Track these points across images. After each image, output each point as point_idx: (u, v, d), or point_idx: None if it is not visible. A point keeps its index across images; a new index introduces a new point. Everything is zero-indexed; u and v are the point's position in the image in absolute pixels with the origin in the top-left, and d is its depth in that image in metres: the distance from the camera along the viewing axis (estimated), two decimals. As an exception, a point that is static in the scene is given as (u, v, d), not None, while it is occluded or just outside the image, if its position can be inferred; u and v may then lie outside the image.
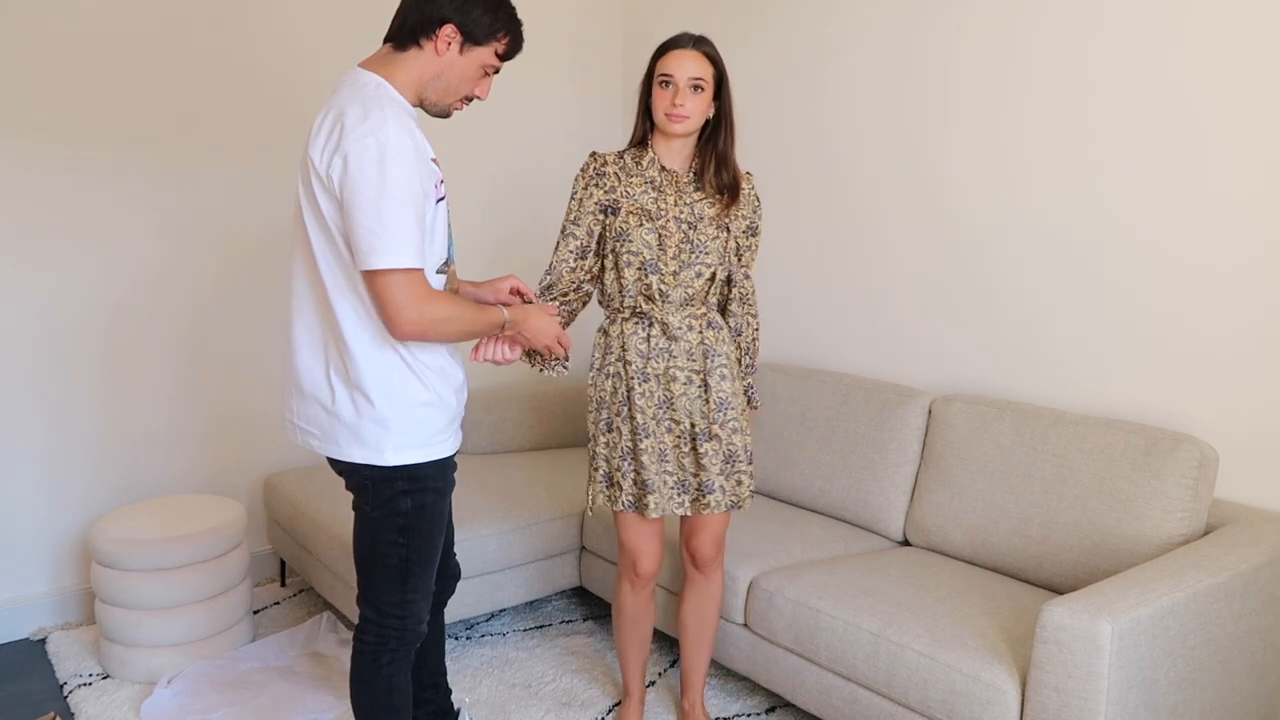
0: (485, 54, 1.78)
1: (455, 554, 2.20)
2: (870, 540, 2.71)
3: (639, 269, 2.10)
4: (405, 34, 1.75)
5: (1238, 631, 2.01)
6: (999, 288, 2.74)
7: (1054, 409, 2.53)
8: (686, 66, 2.03)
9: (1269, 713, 2.18)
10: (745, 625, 2.45)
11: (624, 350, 2.14)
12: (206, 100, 3.07)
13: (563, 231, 2.18)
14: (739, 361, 2.26)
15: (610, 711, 2.52)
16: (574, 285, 2.20)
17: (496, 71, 1.83)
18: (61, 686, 2.65)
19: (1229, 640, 1.99)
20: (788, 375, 3.08)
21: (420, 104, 1.81)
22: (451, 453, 1.88)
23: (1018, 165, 2.66)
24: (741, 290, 2.23)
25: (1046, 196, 2.61)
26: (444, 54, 1.75)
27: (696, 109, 2.05)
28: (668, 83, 2.05)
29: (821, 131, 3.19)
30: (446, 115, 1.86)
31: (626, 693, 2.43)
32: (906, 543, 2.72)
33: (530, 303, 2.04)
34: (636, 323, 2.14)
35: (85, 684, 2.63)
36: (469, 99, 1.84)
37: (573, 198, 2.17)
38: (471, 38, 1.75)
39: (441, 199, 1.77)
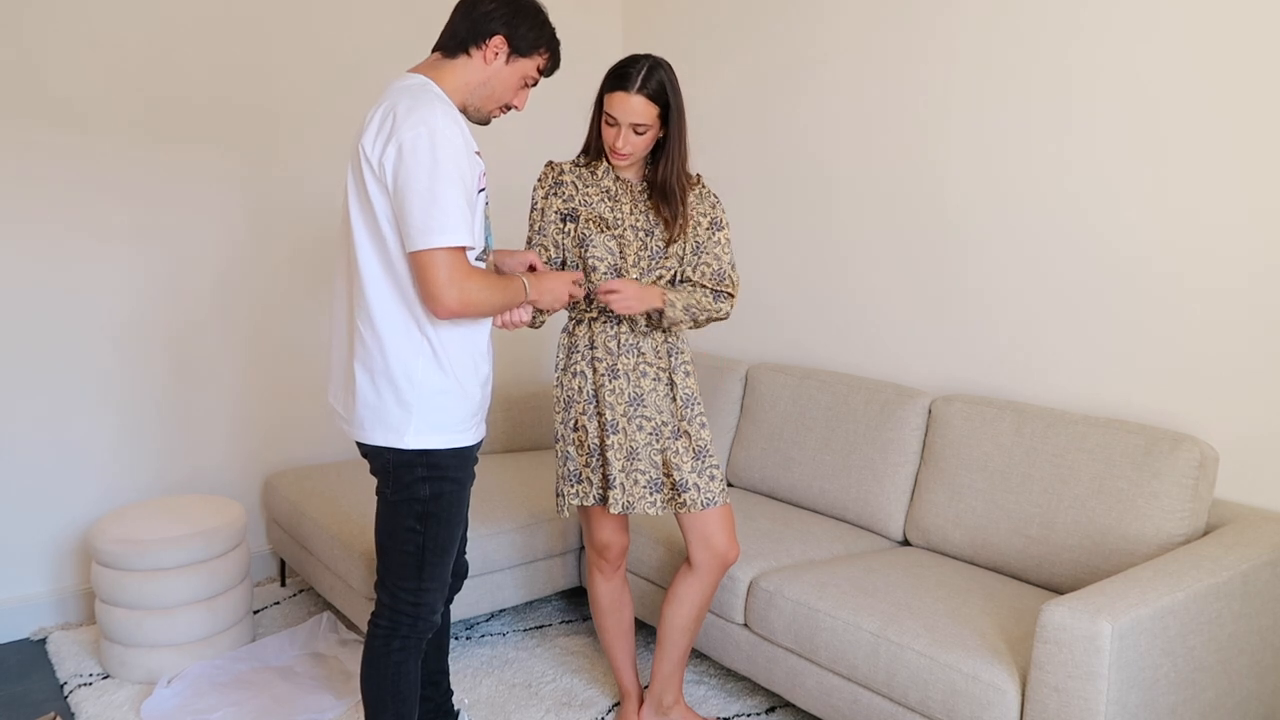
0: (527, 66, 1.92)
1: (465, 552, 2.22)
2: (870, 540, 2.71)
3: (604, 273, 2.14)
4: (455, 43, 1.88)
5: (1238, 631, 2.01)
6: (999, 288, 2.74)
7: (1054, 409, 2.53)
8: (627, 112, 2.05)
9: (1269, 713, 2.18)
10: (745, 625, 2.45)
11: (592, 348, 2.17)
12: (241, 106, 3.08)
13: (529, 244, 2.21)
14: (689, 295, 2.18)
15: (610, 711, 2.52)
16: None
17: (535, 84, 1.96)
18: (62, 686, 2.65)
19: (1229, 640, 1.99)
20: (788, 375, 3.08)
21: (463, 109, 1.91)
22: (472, 443, 1.93)
23: (1017, 166, 2.67)
24: (707, 271, 2.18)
25: (1046, 198, 2.61)
26: (491, 63, 1.88)
27: (639, 146, 2.09)
28: (612, 122, 2.08)
29: (822, 132, 3.19)
30: (486, 123, 1.98)
31: (624, 693, 2.43)
32: (906, 543, 2.72)
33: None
34: (605, 321, 2.16)
35: (85, 684, 2.63)
36: (507, 108, 1.96)
37: (533, 208, 2.21)
38: (517, 50, 1.89)
39: (482, 189, 1.87)
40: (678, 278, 2.20)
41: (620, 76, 2.05)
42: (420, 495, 1.86)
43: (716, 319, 2.21)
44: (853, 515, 2.79)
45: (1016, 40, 2.64)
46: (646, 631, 2.95)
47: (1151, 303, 2.42)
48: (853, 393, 2.87)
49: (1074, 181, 2.55)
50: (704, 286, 2.18)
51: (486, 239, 1.93)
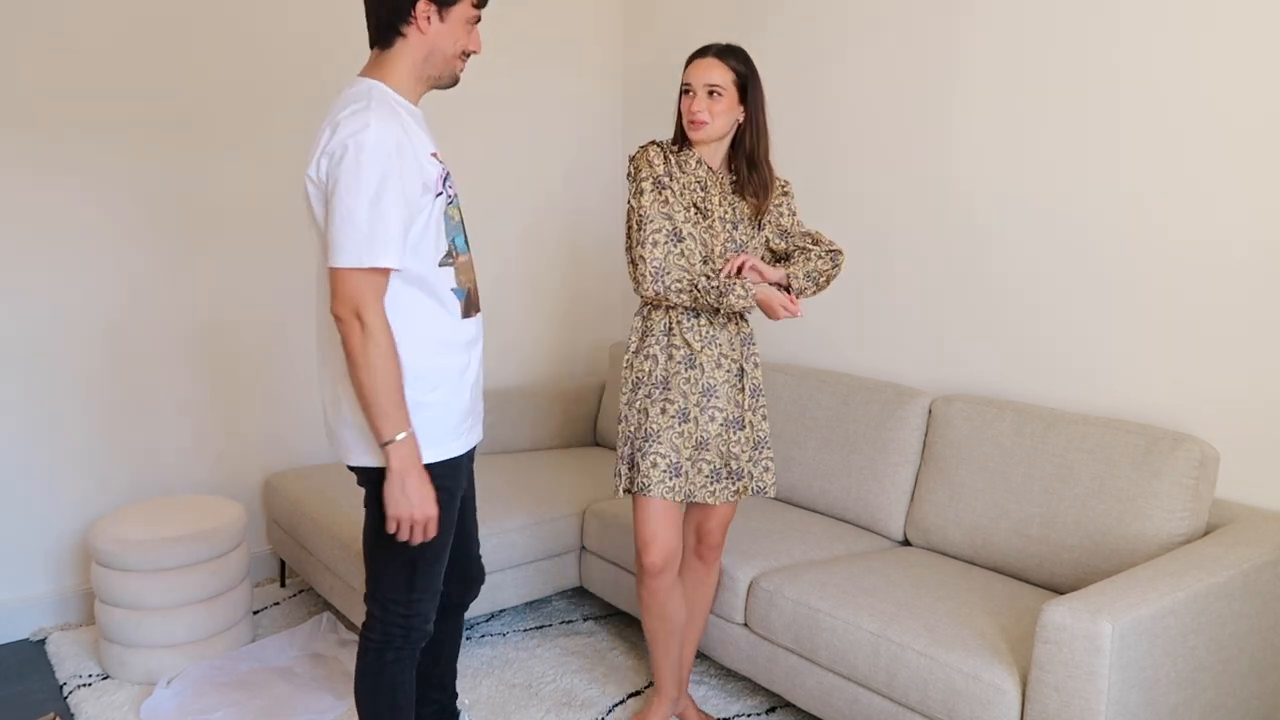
0: (462, 9, 1.80)
1: (480, 556, 2.17)
2: (870, 540, 2.71)
3: (700, 261, 2.16)
4: (385, 31, 1.78)
5: (1238, 631, 2.01)
6: (999, 288, 2.74)
7: (1054, 409, 2.53)
8: (702, 74, 2.10)
9: (1269, 713, 2.18)
10: (745, 625, 2.45)
11: (669, 334, 2.18)
12: (208, 97, 3.07)
13: (653, 226, 2.12)
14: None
15: (610, 712, 2.52)
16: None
17: (478, 20, 1.85)
18: (61, 687, 2.64)
19: (1229, 640, 1.99)
20: (788, 375, 3.08)
21: (428, 86, 1.85)
22: (463, 451, 1.88)
23: (1019, 165, 2.66)
24: (808, 241, 2.25)
25: (1047, 198, 2.61)
26: (428, 30, 1.78)
27: (714, 114, 2.10)
28: (688, 90, 2.13)
29: (820, 130, 3.19)
30: (456, 81, 1.89)
31: (658, 686, 2.38)
32: (906, 543, 2.72)
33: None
34: (683, 311, 2.17)
35: (85, 684, 2.63)
36: (467, 55, 1.87)
37: (645, 187, 2.14)
38: (443, 1, 1.77)
39: (441, 193, 1.79)
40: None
41: (699, 50, 2.14)
42: None
43: (836, 275, 2.24)
44: (853, 515, 2.79)
45: (1029, 42, 2.63)
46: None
47: (1152, 303, 2.42)
48: (853, 393, 2.87)
49: (1074, 183, 2.55)
50: (816, 254, 2.22)
51: (454, 239, 1.84)
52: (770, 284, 2.14)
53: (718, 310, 2.12)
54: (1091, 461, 2.32)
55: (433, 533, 1.78)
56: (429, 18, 1.77)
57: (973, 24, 2.73)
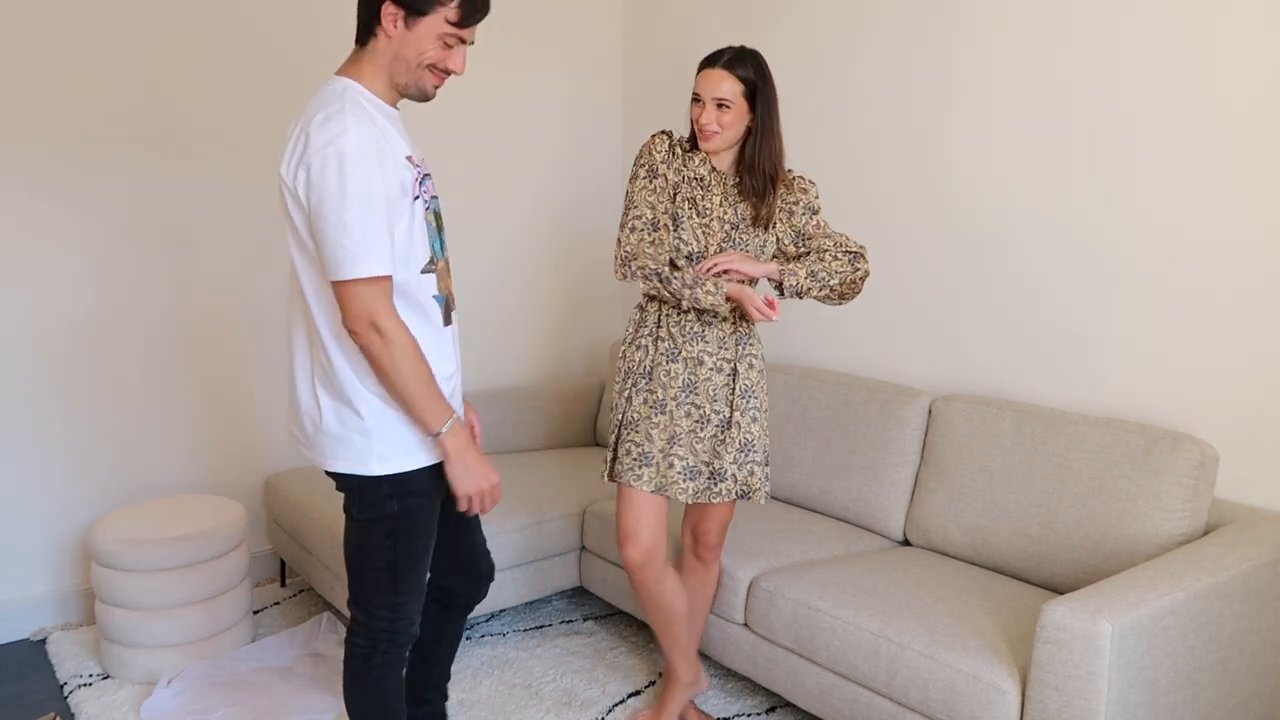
0: (435, 23, 1.72)
1: (488, 552, 2.14)
2: (870, 540, 2.71)
3: (685, 257, 2.16)
4: (362, 29, 1.77)
5: (1238, 631, 2.01)
6: (1001, 288, 2.74)
7: (1054, 409, 2.53)
8: (712, 87, 2.10)
9: (1269, 713, 2.18)
10: (745, 625, 2.45)
11: (658, 327, 2.19)
12: (195, 99, 3.07)
13: (635, 212, 2.14)
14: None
15: (610, 711, 2.52)
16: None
17: (463, 41, 1.79)
18: (61, 687, 2.65)
19: (1229, 640, 1.99)
20: (787, 375, 3.08)
21: (398, 92, 1.80)
22: (442, 459, 1.85)
23: (1022, 165, 2.66)
24: (828, 243, 2.18)
25: (1049, 198, 2.61)
26: (394, 34, 1.74)
27: (724, 124, 2.11)
28: (698, 99, 2.13)
29: (821, 129, 3.19)
30: (427, 97, 1.83)
31: (668, 674, 2.38)
32: (906, 542, 2.72)
33: (475, 438, 1.98)
34: (673, 305, 2.18)
35: (85, 684, 2.63)
36: (445, 73, 1.79)
37: (652, 172, 2.15)
38: (411, 9, 1.70)
39: (419, 196, 1.76)
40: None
41: (710, 57, 2.12)
42: (389, 512, 1.80)
43: (859, 280, 2.17)
44: (853, 515, 2.79)
45: (1038, 42, 2.63)
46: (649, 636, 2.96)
47: (1152, 302, 2.42)
48: (853, 393, 2.87)
49: (1076, 183, 2.55)
50: (831, 254, 2.16)
51: (433, 246, 1.82)
52: (760, 278, 2.12)
53: (680, 303, 2.11)
54: (1091, 461, 2.32)
55: (499, 497, 1.87)
56: (395, 21, 1.72)
57: (981, 23, 2.73)
